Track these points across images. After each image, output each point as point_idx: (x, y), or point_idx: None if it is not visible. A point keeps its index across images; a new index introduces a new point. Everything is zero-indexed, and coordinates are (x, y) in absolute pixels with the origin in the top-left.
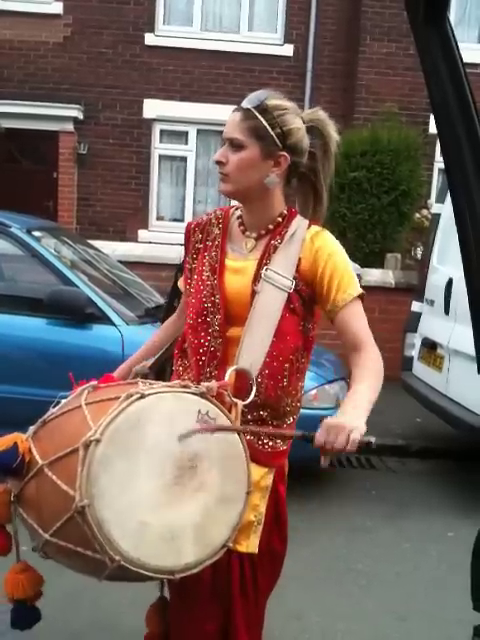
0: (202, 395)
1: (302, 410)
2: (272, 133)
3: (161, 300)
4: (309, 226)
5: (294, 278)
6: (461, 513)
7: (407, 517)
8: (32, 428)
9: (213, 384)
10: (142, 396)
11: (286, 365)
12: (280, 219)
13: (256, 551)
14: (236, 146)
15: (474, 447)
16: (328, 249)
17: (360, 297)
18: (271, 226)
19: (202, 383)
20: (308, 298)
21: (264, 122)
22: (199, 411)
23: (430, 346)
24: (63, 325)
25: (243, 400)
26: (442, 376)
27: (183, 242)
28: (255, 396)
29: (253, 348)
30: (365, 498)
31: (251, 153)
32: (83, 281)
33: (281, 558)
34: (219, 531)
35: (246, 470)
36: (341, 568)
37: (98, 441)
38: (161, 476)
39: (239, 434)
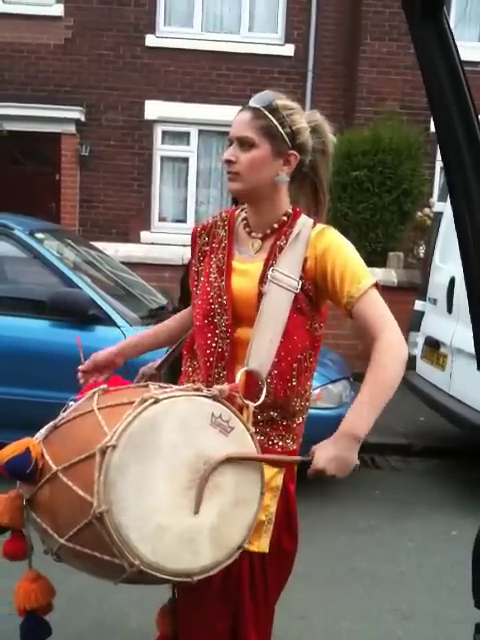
0: (214, 398)
1: None
2: (282, 132)
3: (164, 301)
4: (314, 225)
5: (300, 278)
6: (464, 512)
7: (410, 516)
8: (42, 432)
9: (225, 387)
10: (156, 401)
11: (294, 365)
12: (285, 218)
13: (267, 550)
14: (247, 145)
15: (477, 445)
16: (335, 245)
17: (376, 286)
18: (276, 226)
19: (214, 386)
20: (315, 298)
21: (274, 121)
22: (212, 414)
23: (433, 345)
24: (66, 327)
25: (254, 401)
26: (445, 375)
27: (189, 245)
28: (265, 396)
29: (262, 349)
30: (368, 497)
31: (263, 152)
32: (86, 283)
33: (291, 557)
34: (235, 532)
35: (259, 471)
36: (344, 567)
37: (114, 447)
38: (177, 480)
39: (251, 435)
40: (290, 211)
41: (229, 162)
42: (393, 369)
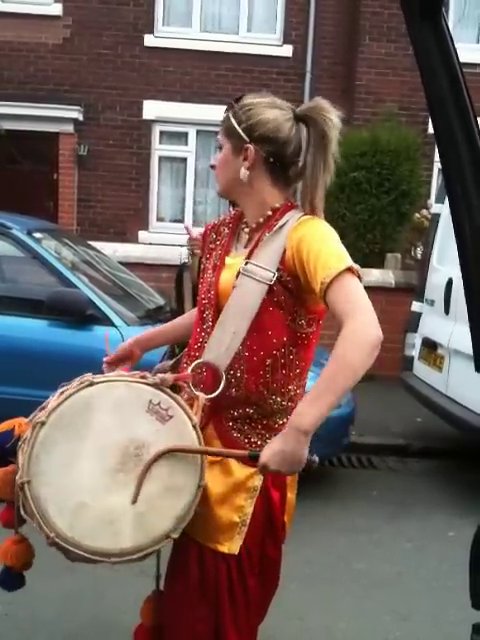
0: (156, 386)
1: None
2: (238, 128)
3: (161, 301)
4: (302, 216)
5: (278, 270)
6: (462, 512)
7: (408, 517)
8: (34, 413)
9: (168, 376)
10: (91, 383)
11: (268, 360)
12: (270, 213)
13: (236, 552)
14: (218, 148)
15: (475, 447)
16: (310, 234)
17: (350, 271)
18: (261, 220)
19: (157, 374)
20: (295, 291)
21: (232, 120)
22: (150, 401)
23: (430, 346)
24: (64, 326)
25: (213, 394)
26: (442, 376)
27: (201, 242)
28: (236, 390)
29: (221, 342)
30: (366, 498)
31: (225, 151)
32: (84, 282)
33: (275, 564)
34: (161, 520)
35: (198, 463)
36: (342, 568)
37: (43, 423)
38: (104, 461)
39: (194, 427)
40: (277, 205)
41: (213, 167)
42: (353, 355)
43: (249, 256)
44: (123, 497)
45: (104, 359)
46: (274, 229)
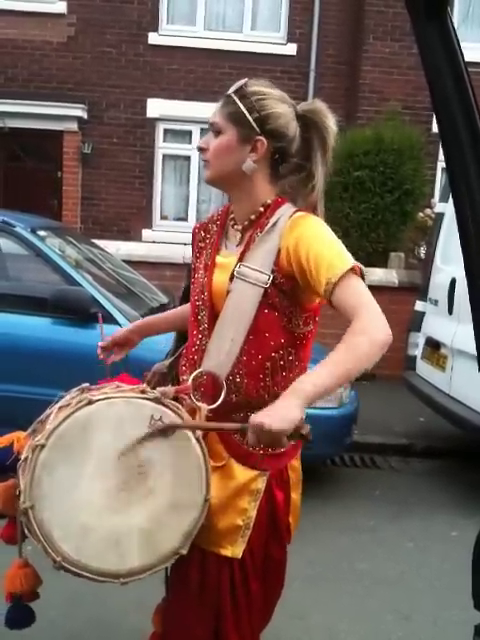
0: (156, 400)
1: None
2: (249, 117)
3: (165, 299)
4: (294, 214)
5: (272, 271)
6: (465, 512)
7: (411, 517)
8: (32, 426)
9: (168, 389)
10: (90, 402)
11: (268, 363)
12: (262, 209)
13: (239, 556)
14: (216, 131)
15: (478, 446)
16: (307, 234)
17: (354, 271)
18: (253, 217)
19: (157, 388)
20: (291, 292)
21: (242, 107)
22: (151, 416)
23: (434, 345)
24: (67, 324)
25: (213, 403)
26: (445, 376)
27: (191, 243)
28: (236, 396)
29: (221, 349)
30: (369, 498)
31: (228, 138)
32: (87, 280)
33: (281, 565)
34: (169, 538)
35: (203, 477)
36: (344, 568)
37: (43, 446)
38: (106, 481)
39: (198, 440)
40: (269, 201)
41: (201, 149)
42: (365, 349)
43: (242, 257)
44: (129, 517)
45: (99, 343)
46: (266, 228)
